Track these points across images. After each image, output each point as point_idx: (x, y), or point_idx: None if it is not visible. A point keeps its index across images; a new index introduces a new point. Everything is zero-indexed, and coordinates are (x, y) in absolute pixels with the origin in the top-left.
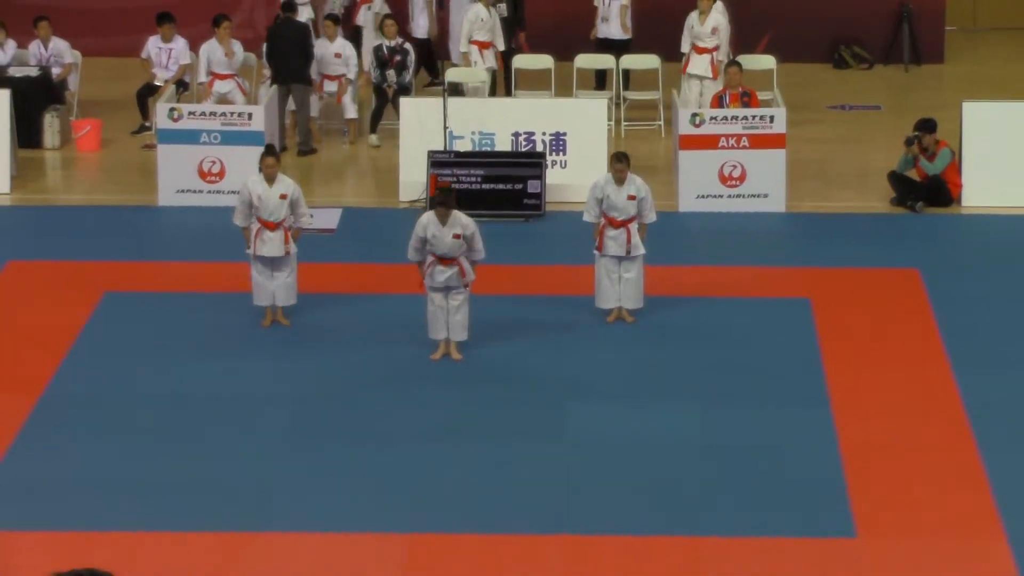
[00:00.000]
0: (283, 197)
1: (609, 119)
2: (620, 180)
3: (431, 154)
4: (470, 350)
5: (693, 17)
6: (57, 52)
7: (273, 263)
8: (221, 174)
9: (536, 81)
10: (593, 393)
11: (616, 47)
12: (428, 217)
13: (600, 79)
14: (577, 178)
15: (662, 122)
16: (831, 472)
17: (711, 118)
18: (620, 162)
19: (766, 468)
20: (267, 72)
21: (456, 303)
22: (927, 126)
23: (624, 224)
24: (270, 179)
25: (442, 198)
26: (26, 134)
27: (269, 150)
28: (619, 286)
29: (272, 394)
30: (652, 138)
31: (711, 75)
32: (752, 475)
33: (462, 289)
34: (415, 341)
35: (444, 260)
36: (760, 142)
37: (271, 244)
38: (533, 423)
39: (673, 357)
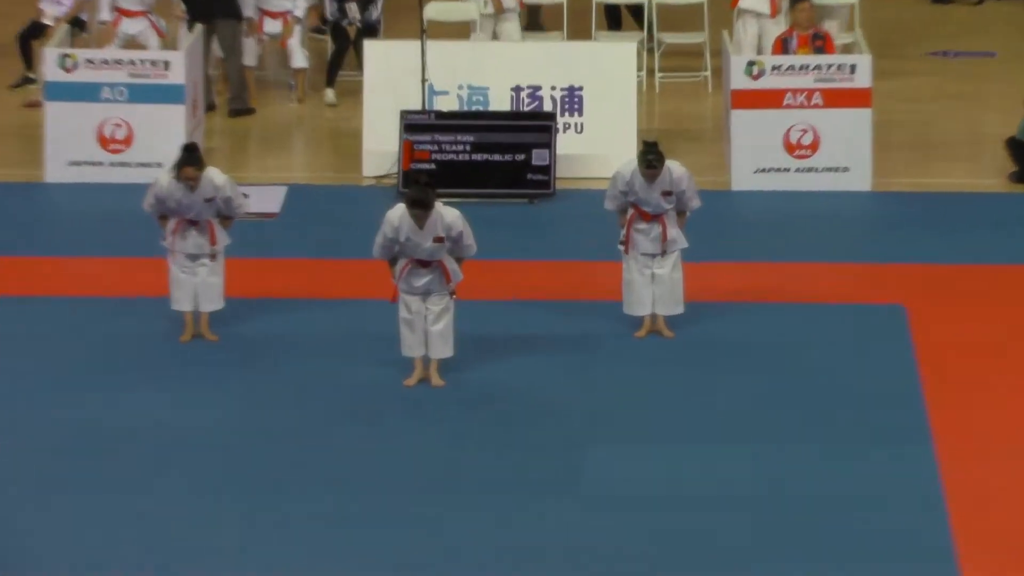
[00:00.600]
0: (209, 201)
1: (639, 69)
2: (651, 181)
3: (405, 115)
4: (455, 373)
5: None
6: None
7: (196, 256)
8: (128, 141)
9: (548, 20)
10: (618, 431)
11: None
12: (400, 214)
13: (616, 18)
14: (597, 146)
15: (708, 73)
16: (933, 526)
17: (773, 67)
18: (651, 167)
19: (847, 523)
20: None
21: (437, 309)
22: None
23: (658, 217)
24: (193, 188)
25: (417, 196)
26: None
27: (190, 155)
28: (653, 286)
29: (193, 432)
30: (696, 94)
31: (770, 11)
32: (830, 533)
33: (445, 294)
34: (383, 361)
35: (423, 263)
36: (838, 99)
37: (193, 240)
38: (539, 470)
39: (724, 382)
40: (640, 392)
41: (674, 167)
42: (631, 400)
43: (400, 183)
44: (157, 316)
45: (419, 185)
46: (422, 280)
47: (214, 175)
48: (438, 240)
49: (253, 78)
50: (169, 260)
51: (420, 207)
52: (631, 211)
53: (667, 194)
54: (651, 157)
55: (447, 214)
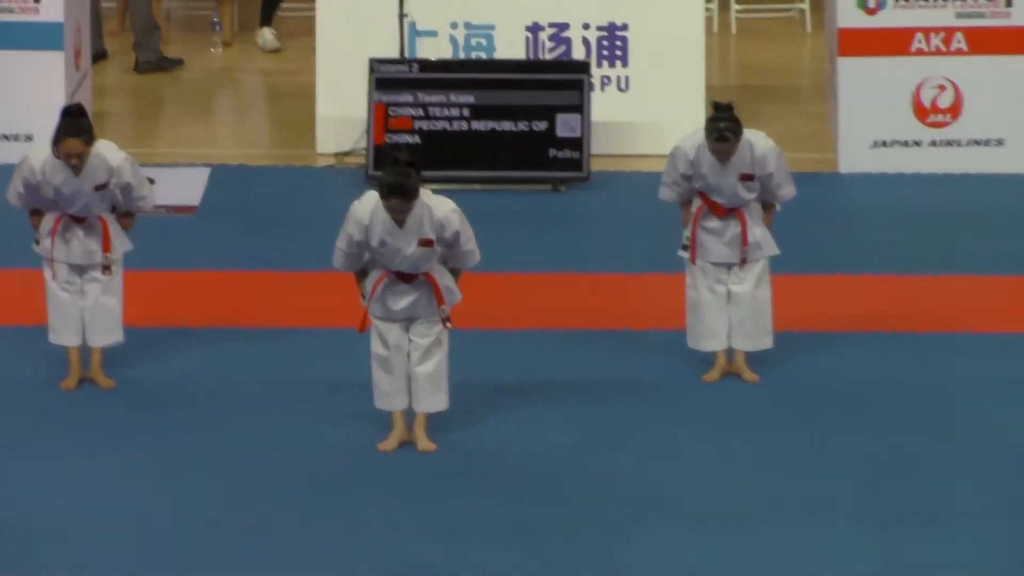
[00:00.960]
0: (101, 187)
1: (709, 1)
2: (723, 158)
3: (376, 66)
4: (450, 432)
5: None
6: None
7: (84, 268)
8: None
9: None
10: (677, 510)
11: None
12: (371, 207)
13: None
14: (648, 110)
15: (806, 6)
16: None
17: None
18: (722, 140)
19: None
20: None
21: (424, 343)
22: None
23: (735, 211)
24: (77, 169)
25: (395, 181)
26: None
27: (73, 123)
28: (729, 310)
29: (89, 520)
30: (788, 36)
31: None
32: None
33: (435, 321)
34: (347, 416)
35: (403, 276)
36: (987, 44)
37: (79, 245)
38: (567, 563)
39: (827, 442)
40: (707, 459)
41: (757, 140)
42: (694, 470)
43: (370, 163)
44: (28, 352)
45: (398, 165)
46: (403, 301)
47: (107, 152)
48: (425, 243)
49: (164, 16)
50: (45, 273)
51: (400, 195)
52: (697, 203)
53: (747, 178)
54: (723, 125)
55: (438, 207)
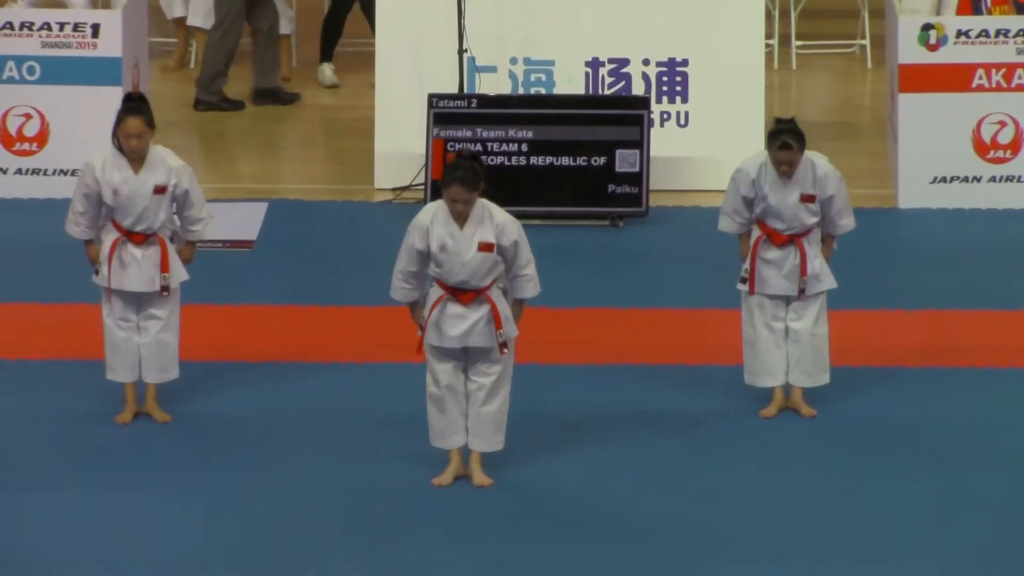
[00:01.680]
0: (160, 191)
1: (769, 36)
2: (786, 171)
3: (435, 101)
4: (506, 469)
5: None
6: None
7: (141, 302)
8: (41, 138)
9: None
10: (734, 550)
11: None
12: (432, 212)
13: None
14: (707, 145)
15: (867, 42)
16: None
17: (959, 33)
18: (785, 148)
19: None
20: None
21: (487, 383)
22: None
23: (795, 239)
24: (135, 157)
25: (460, 166)
26: None
27: (133, 104)
28: (788, 346)
29: (143, 565)
30: (848, 71)
31: None
32: None
33: (495, 357)
34: (407, 451)
35: (461, 294)
36: None
37: (137, 270)
38: None
39: (887, 481)
40: (765, 497)
41: (819, 161)
42: (751, 509)
43: (428, 198)
44: (85, 386)
45: (462, 158)
46: (460, 327)
47: (167, 154)
48: (486, 247)
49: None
50: (104, 310)
51: (463, 182)
52: (757, 234)
53: (808, 199)
54: (785, 135)
55: (498, 212)
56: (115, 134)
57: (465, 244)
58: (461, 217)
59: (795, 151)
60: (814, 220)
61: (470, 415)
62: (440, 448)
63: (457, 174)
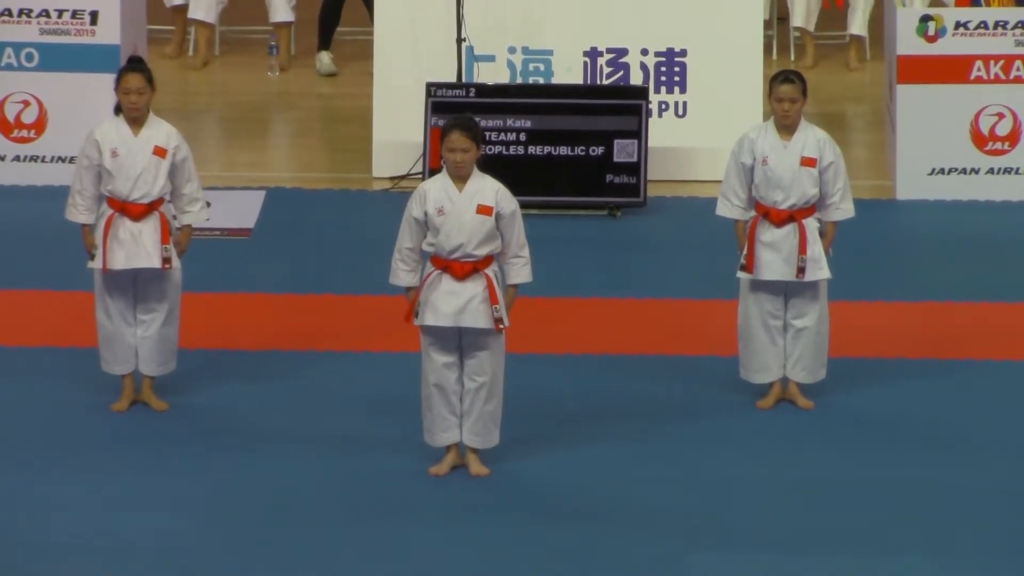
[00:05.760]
0: (160, 153)
1: (768, 28)
2: (787, 122)
3: (433, 90)
4: (503, 460)
5: None
6: None
7: (139, 293)
8: (39, 125)
9: None
10: (731, 540)
11: None
12: (431, 179)
13: None
14: (705, 135)
15: (864, 32)
16: None
17: (957, 25)
18: (787, 81)
19: None
20: None
21: (486, 382)
22: None
23: (794, 217)
24: (134, 117)
25: (463, 118)
26: None
27: (135, 63)
28: (784, 340)
29: (137, 551)
30: (845, 62)
31: None
32: None
33: (491, 345)
34: (403, 440)
35: (456, 265)
36: None
37: (135, 246)
38: None
39: (883, 473)
40: (762, 488)
41: (818, 129)
42: (748, 499)
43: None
44: (80, 374)
45: (463, 116)
46: (454, 303)
47: (167, 124)
48: (484, 210)
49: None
50: (97, 304)
51: (463, 128)
52: (753, 213)
53: (809, 163)
54: (787, 73)
55: (496, 182)
56: (116, 84)
57: (463, 205)
58: (460, 172)
59: (797, 86)
60: (814, 192)
61: (470, 415)
62: (435, 446)
63: (457, 122)
